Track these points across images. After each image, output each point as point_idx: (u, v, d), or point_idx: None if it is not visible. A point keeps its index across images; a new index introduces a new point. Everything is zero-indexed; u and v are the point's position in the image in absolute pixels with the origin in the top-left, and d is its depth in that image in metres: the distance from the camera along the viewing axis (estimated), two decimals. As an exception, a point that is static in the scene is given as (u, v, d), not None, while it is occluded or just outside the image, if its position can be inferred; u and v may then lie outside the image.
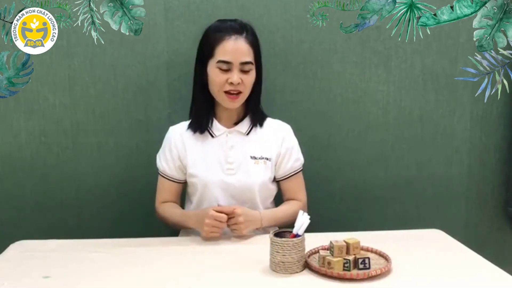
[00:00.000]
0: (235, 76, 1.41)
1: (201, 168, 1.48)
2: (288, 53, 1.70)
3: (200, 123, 1.50)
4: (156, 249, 1.34)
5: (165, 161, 1.52)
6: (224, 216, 1.34)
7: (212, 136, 1.51)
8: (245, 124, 1.53)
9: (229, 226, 1.38)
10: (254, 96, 1.51)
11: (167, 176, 1.53)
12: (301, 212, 1.19)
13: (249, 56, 1.43)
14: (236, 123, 1.53)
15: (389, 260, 1.18)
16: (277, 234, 1.17)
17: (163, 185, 1.55)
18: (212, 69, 1.43)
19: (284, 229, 1.20)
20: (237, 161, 1.49)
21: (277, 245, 1.13)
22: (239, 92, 1.44)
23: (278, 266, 1.14)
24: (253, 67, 1.44)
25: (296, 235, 1.16)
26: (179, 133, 1.53)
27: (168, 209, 1.53)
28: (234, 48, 1.40)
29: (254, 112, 1.53)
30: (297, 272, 1.14)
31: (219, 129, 1.52)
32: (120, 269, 1.20)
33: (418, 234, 1.47)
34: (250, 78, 1.45)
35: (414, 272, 1.16)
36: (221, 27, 1.44)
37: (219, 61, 1.41)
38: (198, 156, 1.50)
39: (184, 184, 1.56)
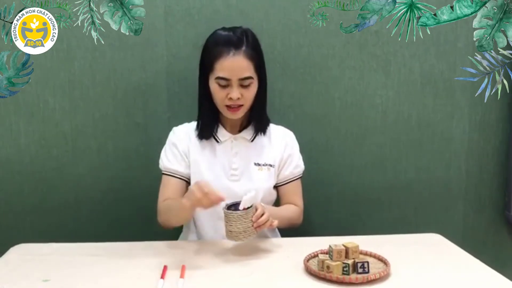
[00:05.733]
0: (234, 93, 1.40)
1: (205, 173, 1.48)
2: (287, 57, 1.71)
3: (206, 130, 1.50)
4: (156, 253, 1.34)
5: (170, 157, 1.50)
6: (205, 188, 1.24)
7: (217, 142, 1.52)
8: (250, 131, 1.53)
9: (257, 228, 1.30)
10: (258, 104, 1.50)
11: (171, 172, 1.49)
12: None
13: (248, 71, 1.41)
14: (241, 130, 1.53)
15: (388, 264, 1.18)
16: (228, 208, 1.29)
17: (167, 183, 1.50)
18: (213, 84, 1.43)
19: (235, 202, 1.30)
20: (241, 167, 1.50)
21: (226, 216, 1.27)
22: (240, 105, 1.44)
23: (228, 235, 1.28)
24: (253, 80, 1.43)
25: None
26: (184, 132, 1.53)
27: (169, 201, 1.46)
28: (232, 65, 1.39)
29: (258, 119, 1.52)
30: (242, 241, 1.28)
31: (224, 135, 1.52)
32: (119, 272, 1.20)
33: (417, 238, 1.47)
34: (251, 91, 1.44)
35: (413, 276, 1.17)
36: (220, 41, 1.42)
37: (218, 78, 1.40)
38: (203, 161, 1.49)
39: (188, 184, 1.51)
